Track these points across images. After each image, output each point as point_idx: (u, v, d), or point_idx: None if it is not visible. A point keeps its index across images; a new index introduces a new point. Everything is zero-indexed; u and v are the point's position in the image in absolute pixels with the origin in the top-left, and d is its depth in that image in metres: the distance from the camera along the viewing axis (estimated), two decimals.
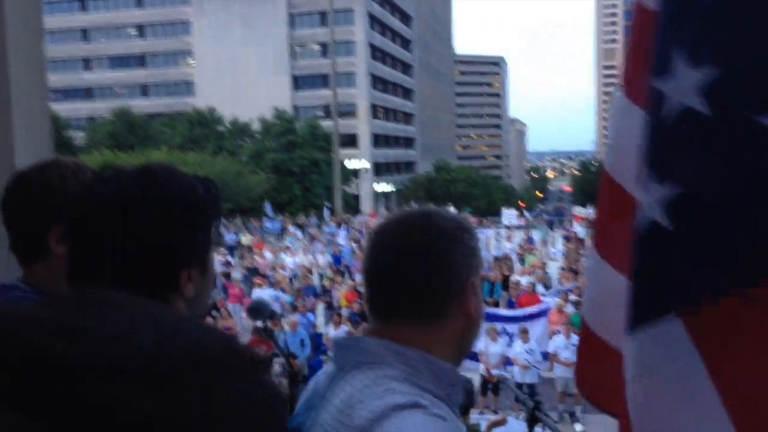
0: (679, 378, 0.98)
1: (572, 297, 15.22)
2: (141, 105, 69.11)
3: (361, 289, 14.09)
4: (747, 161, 0.85)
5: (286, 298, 16.77)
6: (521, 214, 41.37)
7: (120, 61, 76.82)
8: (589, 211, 37.77)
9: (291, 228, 33.36)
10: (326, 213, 36.44)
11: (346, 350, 1.26)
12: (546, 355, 12.47)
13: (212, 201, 1.29)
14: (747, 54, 0.84)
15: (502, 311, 14.22)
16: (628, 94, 1.06)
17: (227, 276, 19.94)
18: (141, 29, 76.56)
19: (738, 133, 0.84)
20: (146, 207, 1.18)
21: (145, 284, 1.17)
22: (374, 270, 1.29)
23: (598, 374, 1.09)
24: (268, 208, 37.92)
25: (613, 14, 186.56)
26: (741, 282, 0.95)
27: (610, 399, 1.08)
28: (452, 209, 43.82)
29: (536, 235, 28.49)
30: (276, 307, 15.78)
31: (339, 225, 32.76)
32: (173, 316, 0.43)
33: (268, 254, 23.40)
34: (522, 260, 22.10)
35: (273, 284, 18.16)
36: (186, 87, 75.36)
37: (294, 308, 15.10)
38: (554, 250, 26.11)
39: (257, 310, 2.77)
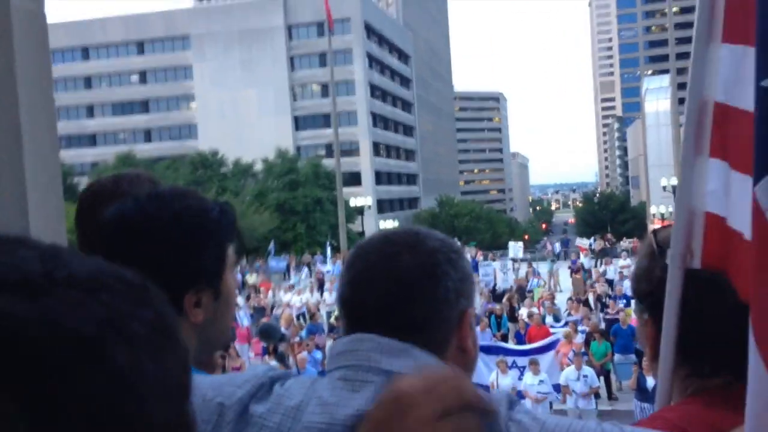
0: None
1: (581, 327, 15.12)
2: (144, 149, 69.60)
3: None
4: None
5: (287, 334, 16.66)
6: (525, 248, 41.29)
7: (123, 107, 77.65)
8: (592, 242, 37.70)
9: (296, 267, 33.37)
10: (328, 250, 35.70)
11: (399, 358, 1.01)
12: (558, 387, 12.36)
13: (226, 223, 1.26)
14: None
15: (512, 346, 14.12)
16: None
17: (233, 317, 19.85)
18: (143, 75, 77.55)
19: None
20: (144, 226, 1.18)
21: None
22: (355, 299, 1.06)
23: (723, 248, 1.14)
24: (270, 247, 37.92)
25: (609, 48, 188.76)
26: None
27: (734, 273, 1.12)
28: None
29: (543, 267, 28.36)
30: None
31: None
32: (69, 250, 0.45)
33: (271, 293, 23.38)
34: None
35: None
36: (189, 130, 76.03)
37: (299, 345, 14.98)
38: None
39: (267, 332, 2.72)
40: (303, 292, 22.61)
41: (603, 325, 15.78)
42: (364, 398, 0.97)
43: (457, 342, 1.06)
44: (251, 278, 28.45)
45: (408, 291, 1.03)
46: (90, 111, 78.09)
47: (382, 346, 1.01)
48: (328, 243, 36.53)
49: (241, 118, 72.60)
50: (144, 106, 77.75)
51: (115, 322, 0.44)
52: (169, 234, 1.18)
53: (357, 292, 1.06)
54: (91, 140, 77.74)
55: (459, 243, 1.11)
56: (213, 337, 1.28)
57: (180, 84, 76.30)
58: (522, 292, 21.37)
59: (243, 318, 18.93)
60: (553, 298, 19.84)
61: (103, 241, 1.21)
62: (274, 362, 12.46)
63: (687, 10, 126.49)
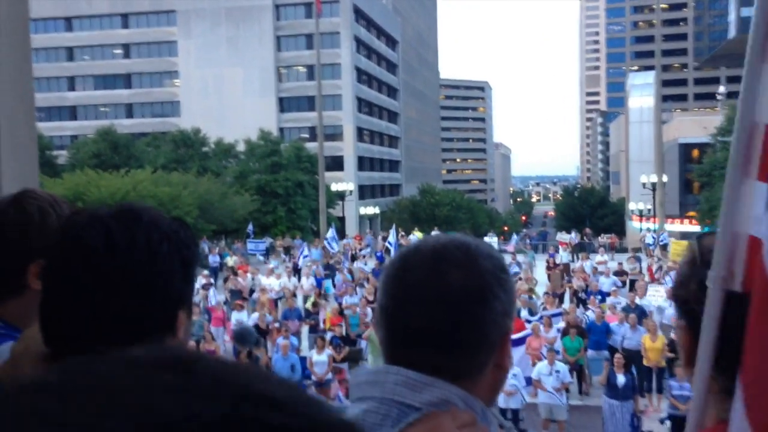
0: None
1: (559, 323, 15.18)
2: (125, 124, 68.89)
3: (346, 312, 13.76)
4: None
5: (269, 320, 16.60)
6: (504, 239, 41.41)
7: (105, 81, 76.68)
8: (572, 237, 37.88)
9: (279, 250, 33.18)
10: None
11: (423, 393, 0.99)
12: (529, 380, 12.42)
13: (192, 239, 1.25)
14: None
15: None
16: None
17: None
18: (126, 48, 76.55)
19: None
20: (140, 251, 1.13)
21: (148, 330, 1.15)
22: (399, 315, 1.04)
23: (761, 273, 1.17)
24: (249, 229, 37.70)
25: (596, 42, 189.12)
26: None
27: None
28: (437, 232, 43.92)
29: (521, 259, 28.45)
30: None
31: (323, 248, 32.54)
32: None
33: (250, 276, 23.20)
34: None
35: (255, 307, 18.00)
36: (171, 107, 75.28)
37: (277, 331, 14.94)
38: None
39: (243, 337, 2.68)
40: (281, 276, 22.52)
41: (585, 321, 15.89)
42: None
43: (495, 359, 1.07)
44: (230, 260, 28.29)
45: (456, 314, 1.01)
46: (71, 83, 77.03)
47: (408, 380, 0.99)
48: (311, 228, 35.75)
49: (224, 97, 72.00)
50: (126, 80, 76.81)
51: None
52: (164, 253, 1.16)
53: (402, 308, 1.03)
54: (72, 113, 76.77)
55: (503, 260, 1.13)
56: None
57: (164, 59, 75.41)
58: None
59: (212, 297, 18.85)
60: (530, 291, 19.91)
61: (87, 265, 1.13)
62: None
63: (675, 6, 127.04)
